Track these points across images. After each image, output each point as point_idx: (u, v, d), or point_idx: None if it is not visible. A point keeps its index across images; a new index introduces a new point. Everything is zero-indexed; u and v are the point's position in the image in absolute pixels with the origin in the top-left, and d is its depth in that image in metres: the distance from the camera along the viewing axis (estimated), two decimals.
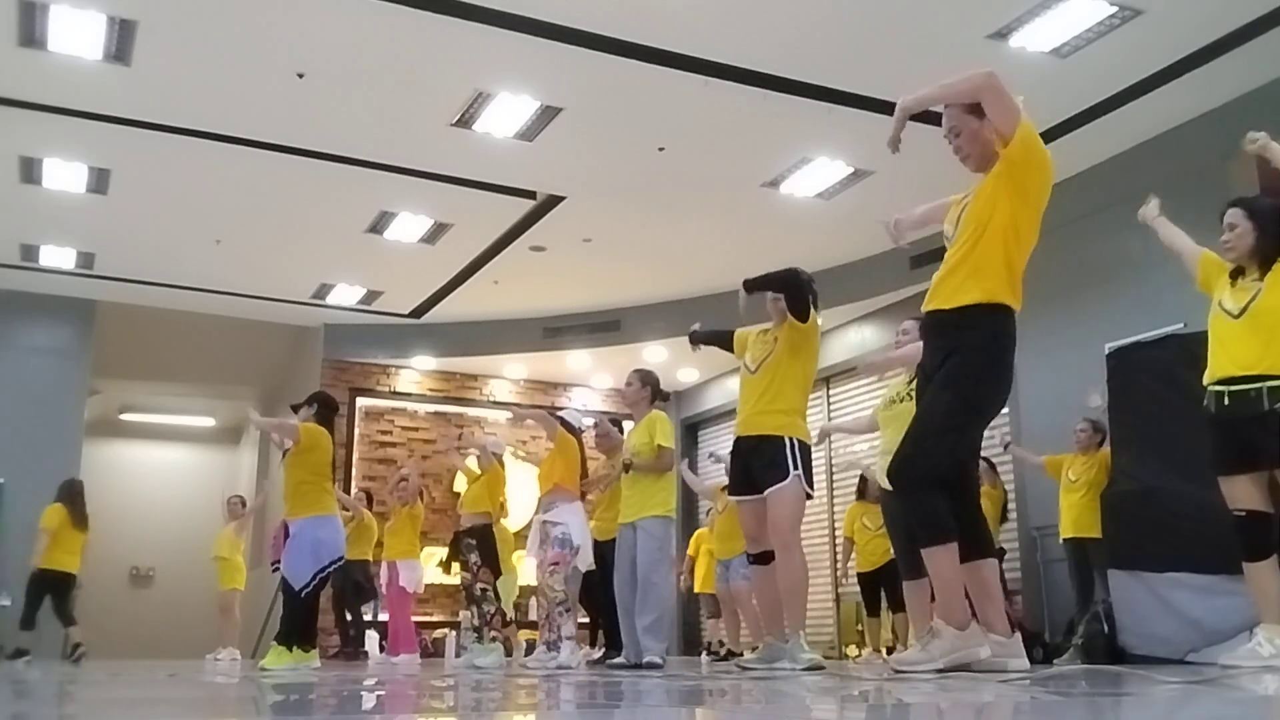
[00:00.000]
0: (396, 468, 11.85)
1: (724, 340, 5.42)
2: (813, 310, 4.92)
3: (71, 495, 9.60)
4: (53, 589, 9.28)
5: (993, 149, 3.59)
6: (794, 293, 4.87)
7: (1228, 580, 5.35)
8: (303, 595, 6.15)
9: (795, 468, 4.71)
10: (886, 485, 5.35)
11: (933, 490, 3.51)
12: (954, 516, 3.54)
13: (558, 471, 6.84)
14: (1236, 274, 4.36)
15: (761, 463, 4.76)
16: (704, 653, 9.28)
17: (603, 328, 12.10)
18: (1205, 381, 4.35)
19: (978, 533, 3.66)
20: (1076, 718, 2.22)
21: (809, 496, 4.83)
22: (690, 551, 10.17)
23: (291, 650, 6.16)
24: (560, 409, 7.46)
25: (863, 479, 8.58)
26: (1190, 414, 5.43)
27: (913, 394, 5.26)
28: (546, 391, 13.40)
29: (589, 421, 7.54)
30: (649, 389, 6.38)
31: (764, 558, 4.87)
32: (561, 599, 6.56)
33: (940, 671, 3.44)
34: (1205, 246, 4.61)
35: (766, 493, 4.73)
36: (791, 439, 4.76)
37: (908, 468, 3.57)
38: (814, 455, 5.00)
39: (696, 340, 5.54)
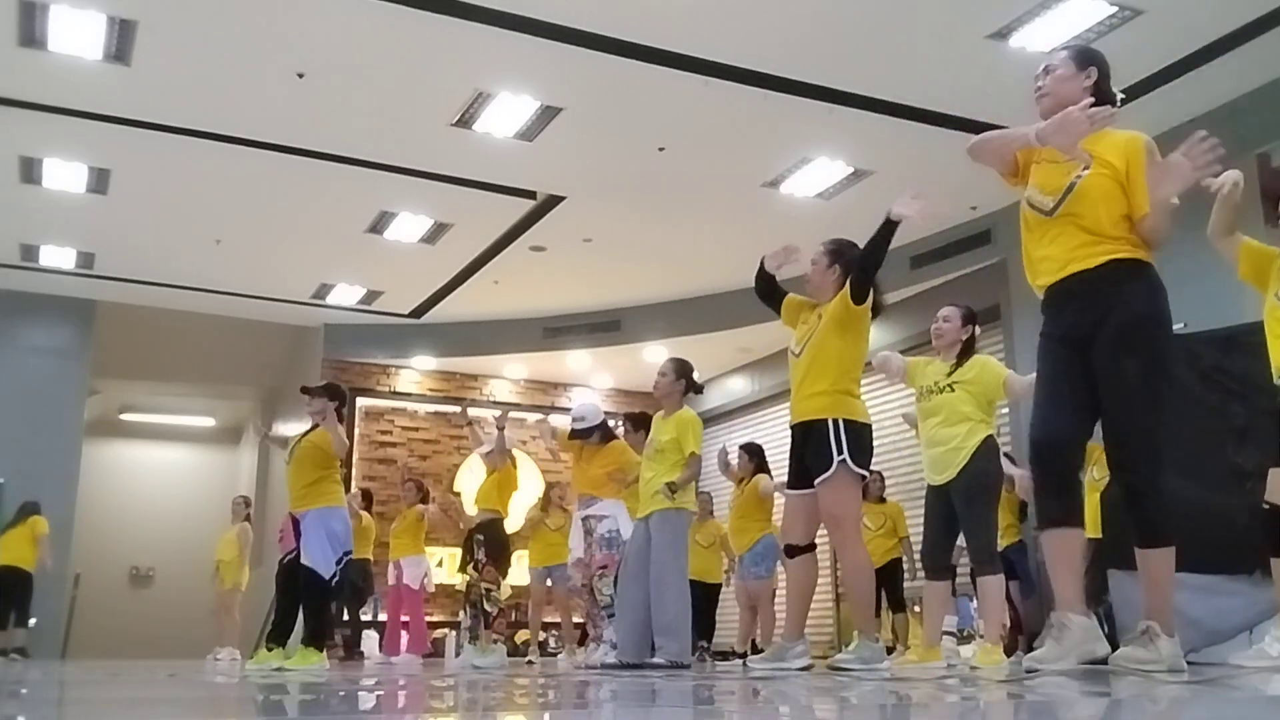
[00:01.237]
0: (398, 468, 11.87)
1: (774, 288, 4.80)
2: (873, 295, 4.51)
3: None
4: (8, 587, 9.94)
5: (1076, 100, 3.34)
6: (865, 274, 4.47)
7: (1228, 580, 5.36)
8: (333, 582, 5.97)
9: (840, 453, 4.27)
10: (932, 480, 5.21)
11: (1165, 480, 3.18)
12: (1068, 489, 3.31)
13: (605, 481, 6.74)
14: None
15: (811, 451, 4.36)
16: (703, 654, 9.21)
17: (603, 328, 12.10)
18: (1276, 373, 4.21)
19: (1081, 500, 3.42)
20: (1076, 718, 2.22)
21: (863, 478, 4.43)
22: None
23: (322, 650, 6.08)
24: (565, 411, 7.30)
25: (879, 480, 8.48)
26: (1190, 414, 5.44)
27: (951, 386, 5.11)
28: (546, 391, 13.40)
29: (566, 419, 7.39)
30: (683, 381, 5.99)
31: (795, 550, 4.49)
32: (608, 604, 6.48)
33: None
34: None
35: (816, 483, 4.34)
36: (836, 420, 4.31)
37: (1152, 464, 3.18)
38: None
39: (762, 278, 4.84)
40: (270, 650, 6.22)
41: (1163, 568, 3.25)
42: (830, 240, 4.77)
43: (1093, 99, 3.34)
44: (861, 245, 4.56)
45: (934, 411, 5.06)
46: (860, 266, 4.50)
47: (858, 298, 4.45)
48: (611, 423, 7.23)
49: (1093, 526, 6.73)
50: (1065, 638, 3.21)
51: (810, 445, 4.38)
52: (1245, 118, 7.13)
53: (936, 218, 4.32)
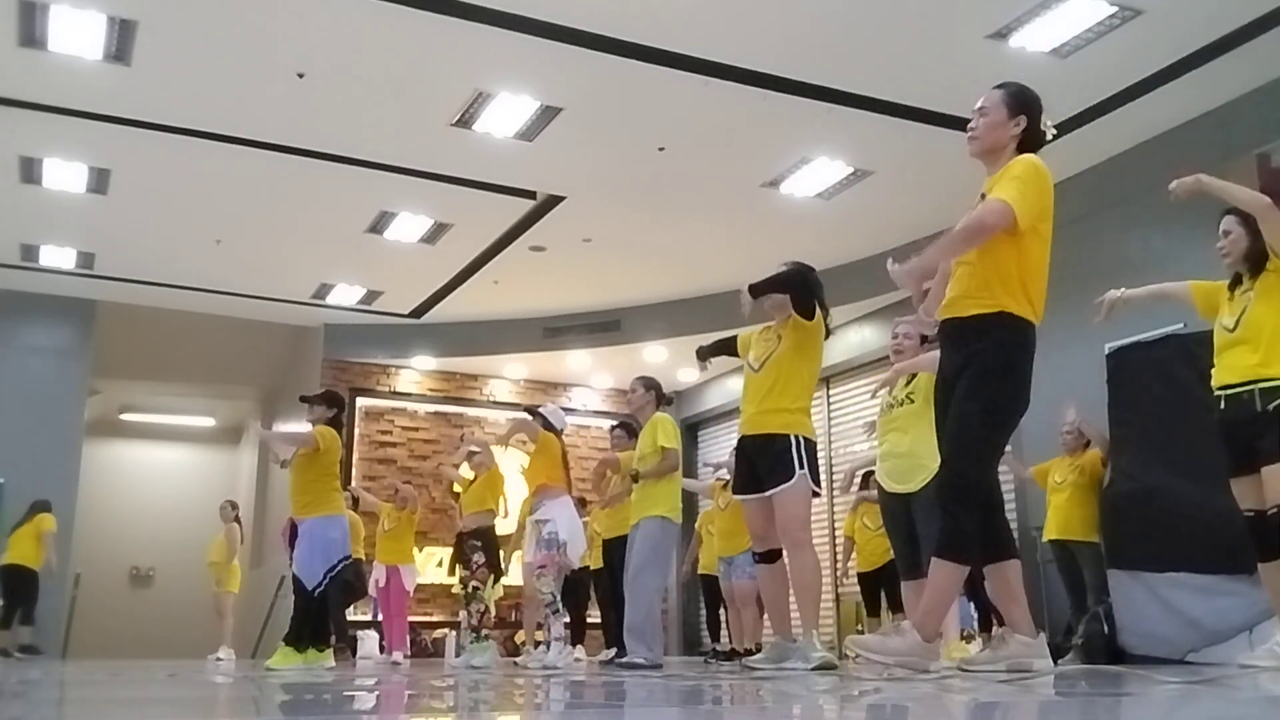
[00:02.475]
0: (395, 468, 11.91)
1: (729, 348, 5.37)
2: (818, 308, 4.88)
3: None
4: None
5: (1001, 146, 3.60)
6: (799, 291, 4.82)
7: (1228, 580, 5.37)
8: (315, 594, 6.09)
9: (801, 466, 4.63)
10: (890, 488, 5.33)
11: (973, 508, 3.46)
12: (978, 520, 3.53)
13: (542, 471, 6.91)
14: (1234, 284, 4.43)
15: (767, 462, 4.71)
16: (711, 654, 9.19)
17: (603, 328, 12.09)
18: (1214, 388, 4.37)
19: (1000, 535, 3.63)
20: (1076, 718, 2.23)
21: (816, 494, 4.75)
22: (697, 525, 9.87)
23: (303, 651, 6.12)
24: (538, 407, 7.46)
25: (865, 478, 8.54)
26: (1190, 414, 5.44)
27: (911, 398, 5.27)
28: (547, 391, 13.40)
29: (568, 419, 7.61)
30: (652, 393, 6.42)
31: (770, 556, 4.82)
32: (549, 600, 6.60)
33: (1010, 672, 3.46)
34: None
35: (770, 493, 4.66)
36: (797, 437, 4.69)
37: (948, 487, 3.51)
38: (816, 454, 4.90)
39: (704, 356, 5.48)
40: (321, 651, 6.25)
41: (950, 581, 3.52)
42: (787, 262, 5.08)
43: (1018, 145, 3.61)
44: (809, 265, 5.04)
45: (893, 424, 5.25)
46: (786, 290, 4.88)
47: (806, 313, 4.83)
48: (603, 423, 7.36)
49: (1077, 529, 6.78)
50: (1001, 649, 3.65)
51: (767, 457, 4.72)
52: (1245, 118, 7.12)
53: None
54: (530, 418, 7.21)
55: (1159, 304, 4.75)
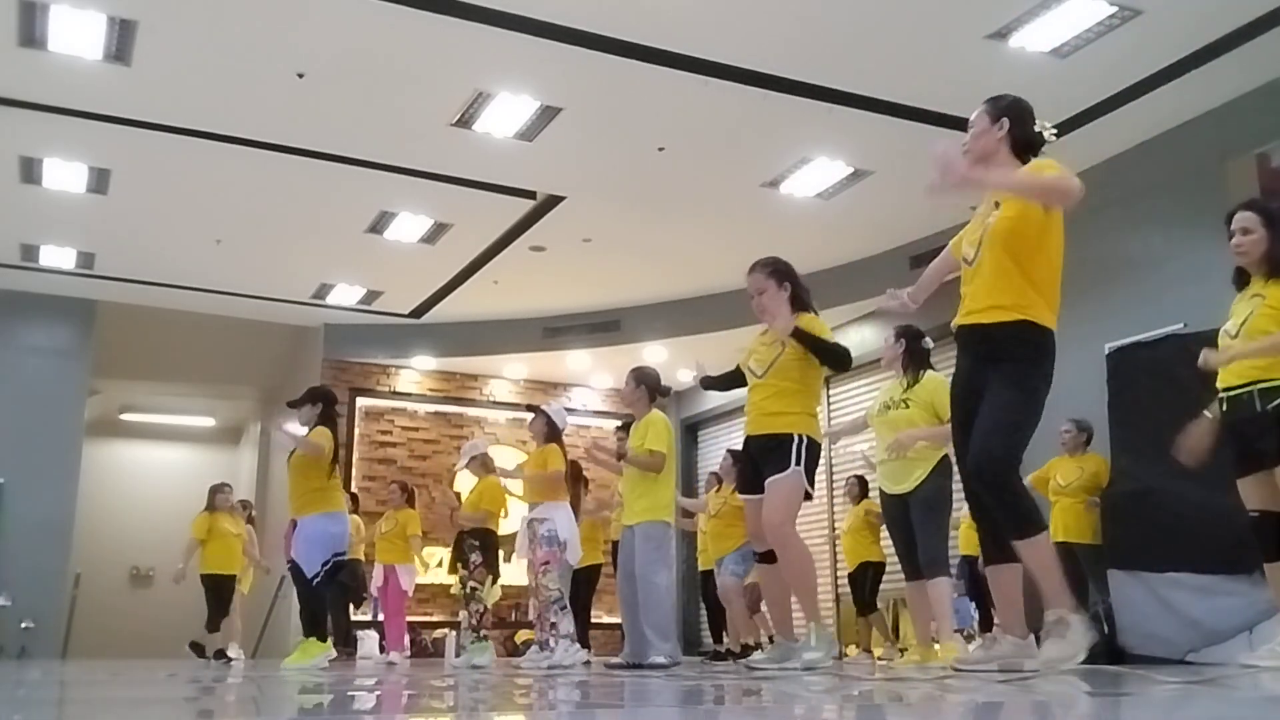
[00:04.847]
0: (396, 468, 11.88)
1: (732, 378, 5.28)
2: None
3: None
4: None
5: (991, 150, 3.69)
6: (837, 366, 4.84)
7: (1227, 580, 5.37)
8: (314, 583, 6.12)
9: (797, 463, 4.60)
10: (889, 489, 5.41)
11: (1018, 481, 3.56)
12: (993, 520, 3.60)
13: (546, 487, 6.80)
14: (1241, 283, 4.35)
15: (770, 461, 4.68)
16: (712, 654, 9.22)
17: (603, 328, 12.10)
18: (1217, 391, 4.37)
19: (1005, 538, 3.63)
20: (1077, 718, 2.23)
21: (808, 496, 4.70)
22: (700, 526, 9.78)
23: (325, 641, 6.19)
24: (542, 406, 7.22)
25: (860, 482, 8.66)
26: (1190, 414, 5.44)
27: (907, 403, 5.37)
28: (546, 391, 13.41)
29: (569, 419, 7.46)
30: (644, 388, 6.27)
31: (769, 556, 4.77)
32: (556, 597, 6.58)
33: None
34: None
35: (767, 483, 4.62)
36: (801, 435, 4.65)
37: (992, 462, 3.51)
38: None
39: (707, 386, 5.47)
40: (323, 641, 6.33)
41: (1044, 553, 3.54)
42: (764, 262, 4.94)
43: (1012, 148, 3.70)
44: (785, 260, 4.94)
45: (888, 425, 5.37)
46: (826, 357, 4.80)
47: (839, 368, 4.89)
48: (603, 423, 7.27)
49: (1082, 531, 6.79)
50: (994, 648, 3.72)
51: (771, 456, 4.66)
52: (1245, 118, 7.13)
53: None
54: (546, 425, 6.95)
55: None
